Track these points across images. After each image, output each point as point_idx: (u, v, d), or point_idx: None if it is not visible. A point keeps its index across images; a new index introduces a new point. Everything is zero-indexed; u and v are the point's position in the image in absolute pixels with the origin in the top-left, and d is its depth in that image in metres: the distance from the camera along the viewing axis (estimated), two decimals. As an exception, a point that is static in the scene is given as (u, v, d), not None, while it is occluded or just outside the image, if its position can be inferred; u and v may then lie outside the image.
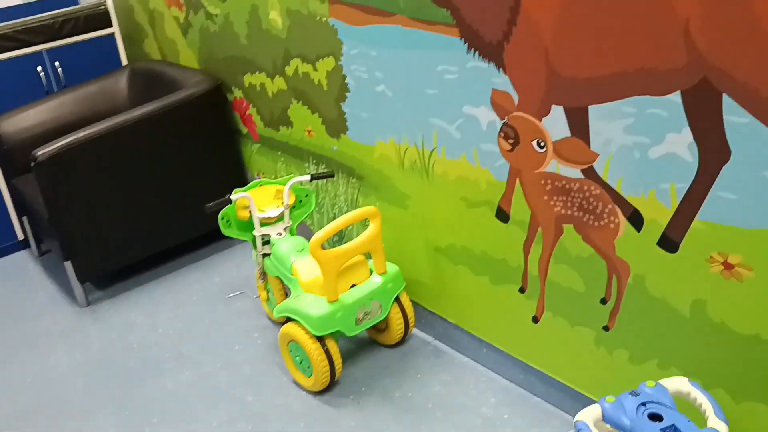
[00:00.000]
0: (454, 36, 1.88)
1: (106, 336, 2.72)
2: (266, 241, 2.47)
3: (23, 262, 3.42)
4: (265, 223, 2.45)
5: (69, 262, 2.85)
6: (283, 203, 2.46)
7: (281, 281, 2.49)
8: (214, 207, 2.31)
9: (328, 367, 2.17)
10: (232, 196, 2.36)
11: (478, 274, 2.15)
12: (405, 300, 2.32)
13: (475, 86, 1.88)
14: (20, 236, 3.49)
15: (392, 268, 2.27)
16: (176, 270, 3.11)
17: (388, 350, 2.40)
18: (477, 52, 1.84)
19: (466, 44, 1.85)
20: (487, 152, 1.94)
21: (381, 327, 2.38)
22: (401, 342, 2.41)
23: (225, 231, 2.46)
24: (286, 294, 2.54)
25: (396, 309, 2.30)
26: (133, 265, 3.12)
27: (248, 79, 2.96)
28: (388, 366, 2.33)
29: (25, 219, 3.40)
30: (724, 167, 1.41)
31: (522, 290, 2.01)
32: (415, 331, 2.47)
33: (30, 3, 3.69)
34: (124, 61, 3.71)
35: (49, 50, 3.50)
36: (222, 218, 2.43)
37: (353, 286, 2.20)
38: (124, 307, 2.89)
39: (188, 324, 2.71)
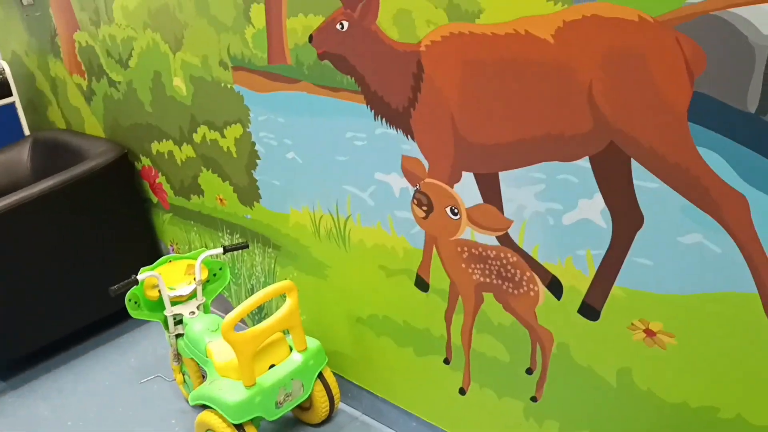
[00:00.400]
0: (361, 102, 1.81)
1: (9, 433, 2.51)
2: (179, 321, 2.33)
3: None
4: (176, 301, 2.31)
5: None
6: (194, 279, 2.32)
7: (197, 363, 2.34)
8: (120, 289, 2.16)
9: (249, 456, 2.02)
10: (139, 276, 2.22)
11: (401, 345, 2.05)
12: (328, 375, 2.20)
13: (385, 153, 1.82)
14: None
15: (313, 343, 2.16)
16: (88, 352, 2.91)
17: (314, 429, 2.27)
18: (384, 119, 1.77)
19: (372, 111, 1.79)
20: (402, 219, 1.87)
21: (305, 405, 2.25)
22: (327, 419, 2.28)
23: (133, 313, 2.30)
24: (204, 376, 2.38)
25: (319, 386, 2.18)
26: (39, 351, 2.90)
27: (156, 146, 2.83)
28: (315, 446, 2.20)
29: None
30: (638, 233, 1.36)
31: (447, 361, 1.93)
32: (341, 406, 2.35)
33: None
34: (26, 131, 3.53)
35: (-58, 124, 3.30)
36: (129, 300, 2.28)
37: (272, 366, 2.08)
38: (30, 398, 2.67)
39: (101, 414, 2.52)
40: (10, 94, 3.47)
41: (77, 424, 2.49)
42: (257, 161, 2.29)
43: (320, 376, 2.18)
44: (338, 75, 1.84)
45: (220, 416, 2.01)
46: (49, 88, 3.47)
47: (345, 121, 1.89)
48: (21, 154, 3.33)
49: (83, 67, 3.08)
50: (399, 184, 1.82)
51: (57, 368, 2.83)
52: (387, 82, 1.71)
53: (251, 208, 2.43)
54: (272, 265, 2.45)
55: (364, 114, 1.82)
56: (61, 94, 3.38)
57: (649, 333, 1.42)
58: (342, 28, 1.76)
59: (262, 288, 2.53)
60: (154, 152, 2.86)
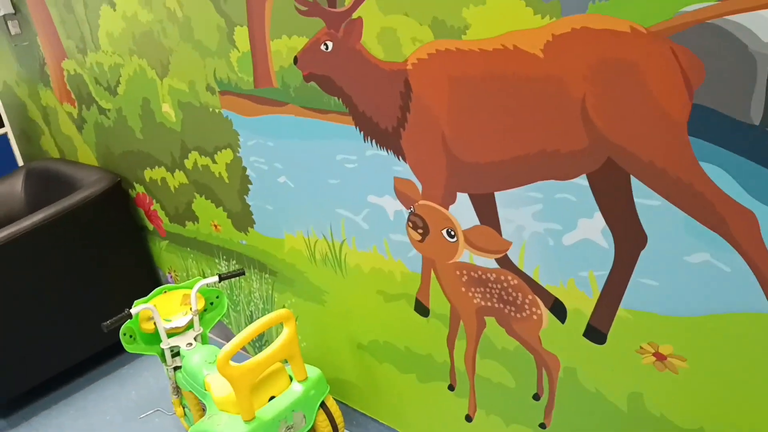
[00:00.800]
0: (350, 124, 1.75)
1: (9, 474, 2.45)
2: (176, 353, 2.27)
3: None
4: (173, 333, 2.25)
5: (-36, 393, 2.59)
6: (191, 309, 2.26)
7: (197, 396, 2.27)
8: (113, 324, 2.10)
9: (252, 492, 1.95)
10: (133, 309, 2.16)
11: (404, 372, 1.98)
12: (331, 404, 2.13)
13: (377, 175, 1.75)
14: None
15: (313, 372, 2.09)
16: (88, 385, 2.85)
17: (320, 459, 2.20)
18: (374, 140, 1.71)
19: (362, 132, 1.73)
20: (397, 243, 1.80)
21: (308, 436, 2.18)
22: (332, 449, 2.21)
23: (129, 348, 2.24)
24: (204, 409, 2.32)
25: (322, 416, 2.10)
26: (38, 386, 2.85)
27: (149, 173, 2.78)
28: (321, 478, 2.13)
29: None
30: (642, 252, 1.30)
31: (451, 388, 1.86)
32: (346, 434, 2.29)
33: None
34: (20, 162, 3.49)
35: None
36: (124, 334, 2.22)
37: (272, 398, 2.01)
38: (31, 436, 2.63)
39: (101, 450, 2.47)
40: (2, 125, 3.43)
41: (78, 462, 2.44)
42: (249, 186, 2.24)
43: (323, 405, 2.11)
44: (325, 96, 1.78)
45: (221, 453, 1.94)
46: (41, 118, 3.43)
47: (335, 144, 1.83)
48: (15, 186, 3.29)
49: (73, 96, 3.03)
50: (393, 206, 1.76)
51: (56, 404, 2.77)
52: (375, 102, 1.65)
53: (246, 234, 2.37)
54: (270, 291, 2.39)
55: (353, 136, 1.76)
56: (53, 123, 3.34)
57: (659, 356, 1.35)
58: (326, 48, 1.70)
59: (262, 315, 2.47)
60: (147, 179, 2.81)
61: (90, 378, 2.90)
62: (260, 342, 2.59)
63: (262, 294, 2.45)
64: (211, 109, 2.22)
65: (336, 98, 1.75)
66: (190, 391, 2.22)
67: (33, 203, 3.21)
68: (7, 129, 3.44)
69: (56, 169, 3.18)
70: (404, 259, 1.80)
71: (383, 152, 1.70)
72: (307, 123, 1.88)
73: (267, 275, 2.36)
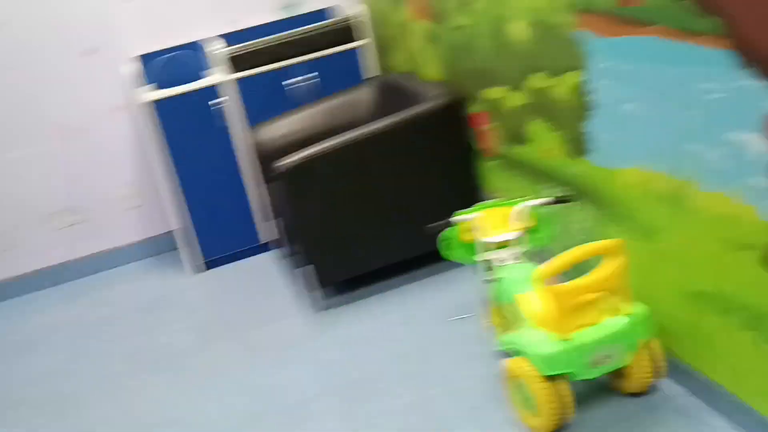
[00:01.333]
0: (724, 48, 1.59)
1: (333, 345, 2.80)
2: (491, 267, 2.33)
3: (266, 264, 3.69)
4: (491, 247, 2.31)
5: (308, 267, 2.98)
6: (514, 227, 2.30)
7: (507, 310, 2.33)
8: (435, 228, 2.22)
9: (556, 411, 1.97)
10: (455, 218, 2.25)
11: (741, 329, 1.81)
12: (654, 346, 2.03)
13: (745, 109, 1.58)
14: (263, 239, 3.79)
15: (640, 309, 2.00)
16: (409, 283, 3.10)
17: (628, 400, 2.12)
18: (753, 68, 1.53)
19: (741, 58, 1.55)
20: (754, 187, 1.62)
21: (622, 373, 2.11)
22: (644, 392, 2.12)
23: (446, 254, 2.37)
24: (513, 324, 2.38)
25: (642, 355, 2.02)
26: (367, 275, 3.17)
27: (488, 92, 2.84)
28: (626, 418, 2.05)
29: (278, 221, 3.60)
30: None
31: (796, 355, 1.66)
32: (663, 381, 2.16)
33: (284, 19, 3.92)
34: (374, 73, 3.80)
35: (303, 63, 3.68)
36: (443, 241, 2.34)
37: (593, 324, 1.97)
38: (354, 317, 2.95)
39: (414, 343, 2.67)
40: (363, 38, 3.75)
41: (392, 347, 2.69)
42: (591, 112, 2.17)
43: (645, 345, 2.02)
44: (699, 17, 1.63)
45: (530, 365, 1.98)
46: (397, 32, 3.67)
47: (699, 71, 1.68)
48: (365, 94, 3.62)
49: (429, 12, 3.18)
50: (757, 146, 1.58)
51: (380, 293, 3.08)
52: (763, 22, 1.47)
53: (578, 162, 2.32)
54: (594, 225, 2.33)
55: (723, 62, 1.60)
56: (407, 39, 3.56)
57: None
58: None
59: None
60: (485, 98, 2.88)
61: (410, 278, 3.14)
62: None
63: (584, 227, 2.40)
64: (565, 29, 2.17)
65: (714, 17, 1.59)
66: (502, 304, 2.29)
67: (379, 111, 3.49)
68: (367, 41, 3.75)
69: (403, 82, 3.40)
70: (760, 206, 1.62)
71: (757, 84, 1.52)
72: (672, 46, 1.75)
73: (593, 207, 2.30)
